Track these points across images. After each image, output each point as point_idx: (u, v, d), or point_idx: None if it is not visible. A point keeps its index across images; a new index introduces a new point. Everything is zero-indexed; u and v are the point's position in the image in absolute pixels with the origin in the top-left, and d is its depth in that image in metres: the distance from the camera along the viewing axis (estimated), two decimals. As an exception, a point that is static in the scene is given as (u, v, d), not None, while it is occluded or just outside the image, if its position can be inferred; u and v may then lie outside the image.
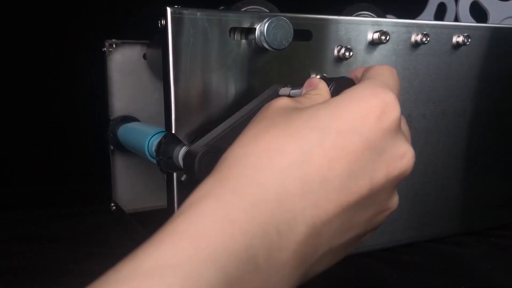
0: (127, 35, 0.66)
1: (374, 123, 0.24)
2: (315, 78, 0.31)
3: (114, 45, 0.65)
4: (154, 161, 0.46)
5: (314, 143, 0.23)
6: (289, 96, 0.34)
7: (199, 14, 0.39)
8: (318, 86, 0.30)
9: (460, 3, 0.85)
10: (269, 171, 0.22)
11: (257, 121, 0.26)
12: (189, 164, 0.36)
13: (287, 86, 0.36)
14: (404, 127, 0.28)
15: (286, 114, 0.25)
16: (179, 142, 0.40)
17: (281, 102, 0.27)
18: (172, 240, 0.19)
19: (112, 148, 0.66)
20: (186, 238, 0.19)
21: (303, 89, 0.32)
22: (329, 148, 0.23)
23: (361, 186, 0.23)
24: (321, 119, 0.24)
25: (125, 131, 0.60)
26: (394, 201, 0.26)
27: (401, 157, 0.25)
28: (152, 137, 0.48)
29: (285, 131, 0.24)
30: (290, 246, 0.21)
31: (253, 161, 0.23)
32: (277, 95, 0.36)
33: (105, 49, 0.64)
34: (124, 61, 0.66)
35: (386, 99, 0.25)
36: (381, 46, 0.48)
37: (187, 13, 0.39)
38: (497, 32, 0.55)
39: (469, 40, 0.52)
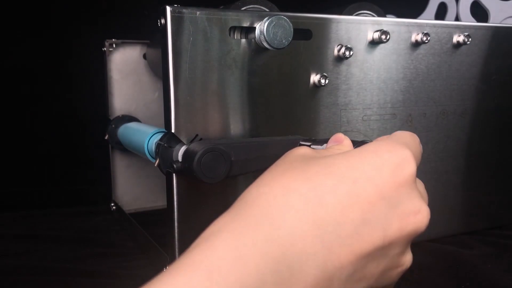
0: (127, 35, 0.66)
1: (389, 175, 0.25)
2: (341, 134, 0.32)
3: (114, 45, 0.65)
4: (153, 160, 0.46)
5: (329, 189, 0.24)
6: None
7: (198, 13, 0.39)
8: (343, 142, 0.31)
9: (461, 2, 0.85)
10: (284, 210, 0.23)
11: (276, 165, 0.27)
12: (188, 159, 0.36)
13: (309, 140, 0.37)
14: (421, 187, 0.28)
15: (304, 160, 0.26)
16: (180, 141, 0.40)
17: (301, 150, 0.28)
18: (188, 271, 0.20)
19: (112, 148, 0.66)
20: (201, 270, 0.20)
21: (328, 143, 0.33)
22: (344, 195, 0.24)
23: (374, 235, 0.24)
24: (337, 167, 0.25)
25: (125, 131, 0.60)
26: (407, 258, 0.27)
27: (416, 213, 0.25)
28: (151, 136, 0.48)
29: (302, 175, 0.25)
30: (301, 286, 0.22)
31: (270, 200, 0.24)
32: (297, 144, 0.38)
33: (105, 49, 0.64)
34: (124, 61, 0.66)
35: (401, 154, 0.26)
36: (382, 45, 0.48)
37: (186, 12, 0.39)
38: (497, 32, 0.55)
39: (470, 39, 0.52)
